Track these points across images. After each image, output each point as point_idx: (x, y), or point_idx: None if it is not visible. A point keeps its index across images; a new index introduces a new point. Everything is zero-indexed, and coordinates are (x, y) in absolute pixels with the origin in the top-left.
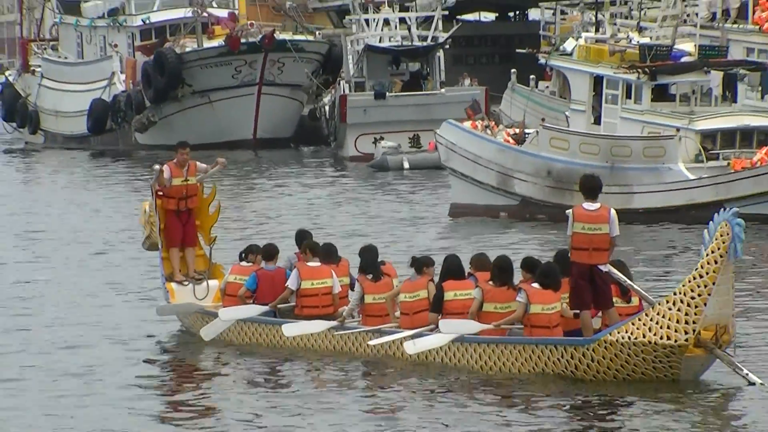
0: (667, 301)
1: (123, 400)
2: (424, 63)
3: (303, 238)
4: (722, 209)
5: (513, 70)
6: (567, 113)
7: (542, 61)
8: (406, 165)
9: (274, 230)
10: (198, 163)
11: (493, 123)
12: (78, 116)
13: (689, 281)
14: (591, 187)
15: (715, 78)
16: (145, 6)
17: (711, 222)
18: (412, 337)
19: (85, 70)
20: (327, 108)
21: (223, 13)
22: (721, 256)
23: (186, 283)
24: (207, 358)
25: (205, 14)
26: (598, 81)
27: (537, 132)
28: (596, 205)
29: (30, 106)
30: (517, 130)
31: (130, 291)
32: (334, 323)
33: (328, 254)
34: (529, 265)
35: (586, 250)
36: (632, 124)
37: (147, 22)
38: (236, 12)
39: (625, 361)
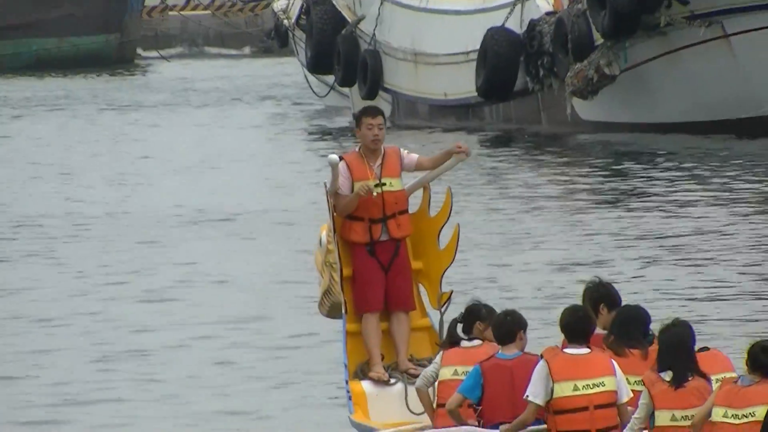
0: None
1: None
2: None
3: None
4: None
5: None
6: None
7: None
8: None
9: None
10: (405, 151)
11: None
12: (459, 65)
13: None
14: None
15: None
16: None
17: None
18: None
19: None
20: None
21: None
22: None
23: (392, 381)
24: None
25: None
26: None
27: None
28: None
29: (363, 43)
30: None
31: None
32: None
33: (625, 327)
34: None
35: None
36: None
37: None
38: None
39: None
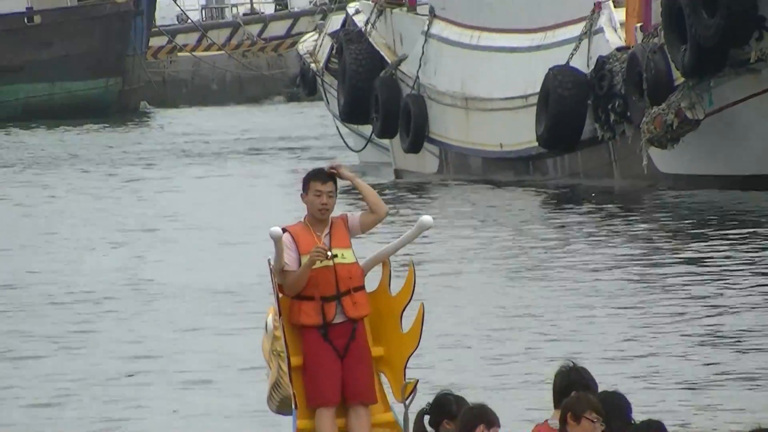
0: None
1: None
2: None
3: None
4: None
5: None
6: None
7: None
8: None
9: None
10: (350, 214)
11: None
12: (517, 111)
13: None
14: None
15: None
16: None
17: None
18: None
19: (536, 1)
20: None
21: None
22: None
23: None
24: None
25: None
26: None
27: None
28: None
29: (405, 87)
30: None
31: None
32: None
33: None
34: None
35: None
36: None
37: None
38: None
39: None
